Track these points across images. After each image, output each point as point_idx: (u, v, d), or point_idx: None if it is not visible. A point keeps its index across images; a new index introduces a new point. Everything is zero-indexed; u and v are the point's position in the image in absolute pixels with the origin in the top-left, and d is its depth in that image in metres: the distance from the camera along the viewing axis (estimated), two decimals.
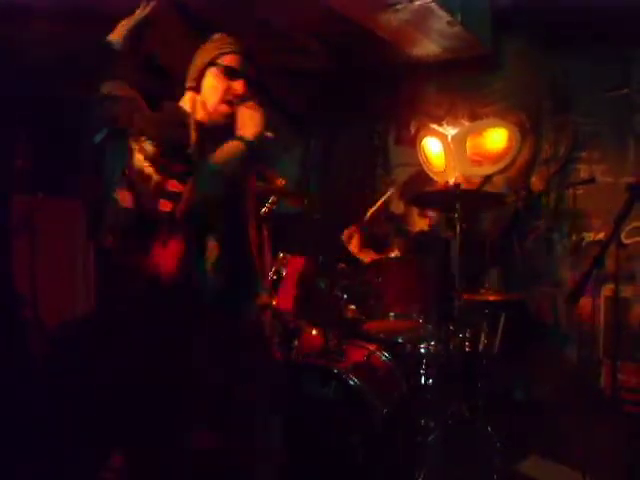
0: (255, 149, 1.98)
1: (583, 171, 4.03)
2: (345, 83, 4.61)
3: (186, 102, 2.13)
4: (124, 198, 2.99)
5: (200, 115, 2.08)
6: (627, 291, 3.40)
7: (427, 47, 4.00)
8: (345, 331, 3.16)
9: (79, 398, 2.51)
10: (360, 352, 3.07)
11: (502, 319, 3.34)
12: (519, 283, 4.10)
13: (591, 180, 3.76)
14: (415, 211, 4.69)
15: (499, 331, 3.32)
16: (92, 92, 2.99)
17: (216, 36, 2.17)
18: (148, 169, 1.86)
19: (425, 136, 4.53)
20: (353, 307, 3.27)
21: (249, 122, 2.01)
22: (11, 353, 2.56)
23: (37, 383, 2.52)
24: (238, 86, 2.08)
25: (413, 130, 4.63)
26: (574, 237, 4.03)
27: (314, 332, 3.16)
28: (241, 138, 1.99)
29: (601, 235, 3.82)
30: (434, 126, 4.47)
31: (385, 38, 3.82)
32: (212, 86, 2.09)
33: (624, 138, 3.88)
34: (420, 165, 4.60)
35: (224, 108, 2.08)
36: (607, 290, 3.65)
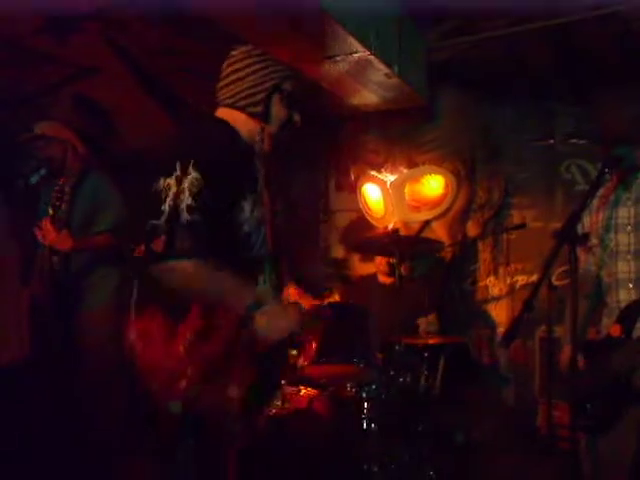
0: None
1: (515, 217, 4.19)
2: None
3: (242, 128, 1.90)
4: (46, 234, 2.89)
5: (266, 148, 1.93)
6: (559, 331, 3.50)
7: (366, 97, 4.11)
8: (286, 377, 3.12)
9: (12, 446, 2.37)
10: (302, 398, 3.04)
11: (442, 362, 3.38)
12: (458, 326, 4.18)
13: (522, 225, 3.91)
14: (356, 256, 4.74)
15: (439, 374, 3.35)
16: (24, 132, 2.92)
17: (256, 51, 1.93)
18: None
19: (365, 182, 4.63)
20: (294, 352, 3.25)
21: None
22: None
23: None
24: (298, 117, 1.95)
25: (353, 176, 4.72)
26: (508, 280, 4.16)
27: None
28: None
29: (534, 278, 3.96)
30: (373, 173, 4.58)
31: (326, 87, 3.92)
32: (276, 114, 1.92)
33: (552, 185, 4.09)
34: (360, 211, 4.68)
35: (281, 138, 1.96)
36: (540, 331, 3.77)
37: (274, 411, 2.87)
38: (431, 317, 3.79)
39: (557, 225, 3.66)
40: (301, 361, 3.15)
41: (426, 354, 3.36)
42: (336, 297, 4.18)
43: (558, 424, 2.77)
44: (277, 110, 1.91)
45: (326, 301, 4.02)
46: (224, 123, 1.87)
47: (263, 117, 1.90)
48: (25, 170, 2.97)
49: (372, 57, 3.41)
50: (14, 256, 3.11)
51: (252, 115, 1.89)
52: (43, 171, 2.94)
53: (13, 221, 3.23)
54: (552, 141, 4.09)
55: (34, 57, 3.33)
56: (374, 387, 3.06)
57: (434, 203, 4.38)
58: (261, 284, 1.82)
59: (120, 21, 3.12)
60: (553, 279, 3.29)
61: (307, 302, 3.90)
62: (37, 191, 3.09)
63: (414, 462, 2.90)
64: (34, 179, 2.93)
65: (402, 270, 3.61)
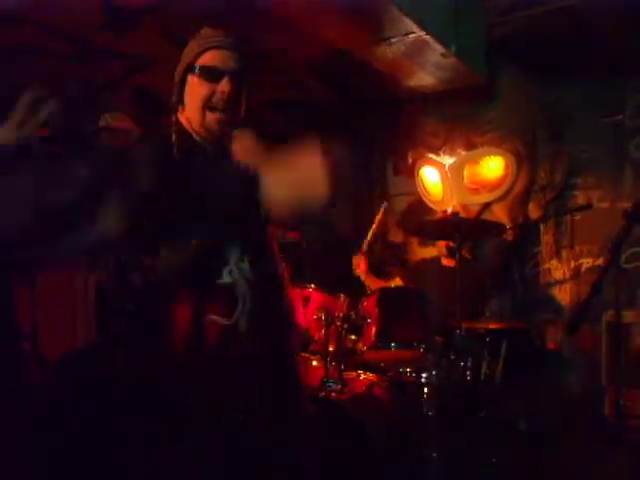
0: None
1: (580, 197, 4.05)
2: (342, 115, 4.66)
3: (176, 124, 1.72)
4: None
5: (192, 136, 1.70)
6: (628, 316, 3.37)
7: (423, 78, 4.05)
8: (345, 361, 3.14)
9: (81, 431, 2.48)
10: (361, 383, 3.04)
11: (503, 347, 3.31)
12: (520, 311, 4.09)
13: (588, 206, 3.77)
14: (415, 240, 4.70)
15: (500, 360, 3.29)
16: (89, 124, 3.00)
17: (200, 32, 1.73)
18: None
19: (423, 166, 4.56)
20: (353, 337, 3.25)
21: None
22: (8, 386, 2.54)
23: (35, 417, 2.49)
24: (222, 86, 1.64)
25: (411, 160, 4.66)
26: (573, 263, 4.03)
27: (314, 363, 3.14)
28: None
29: (600, 261, 3.83)
30: (431, 156, 4.51)
31: (381, 70, 3.88)
32: (192, 94, 1.67)
33: (619, 163, 3.92)
34: (418, 194, 4.63)
35: (211, 119, 1.65)
36: (608, 316, 3.63)
37: (333, 395, 2.89)
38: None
39: (625, 205, 3.52)
40: (360, 346, 3.16)
41: (488, 339, 3.31)
42: (396, 281, 4.16)
43: (628, 413, 2.68)
44: (194, 90, 1.66)
45: (388, 284, 4.02)
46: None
47: (179, 104, 1.71)
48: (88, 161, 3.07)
49: (428, 37, 3.35)
50: None
51: (175, 108, 1.71)
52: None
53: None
54: (620, 117, 3.91)
55: (97, 52, 3.43)
56: (434, 372, 3.03)
57: (494, 185, 4.28)
58: (226, 276, 1.63)
59: (178, 14, 3.17)
60: (622, 261, 3.17)
61: (373, 282, 3.92)
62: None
63: (475, 449, 2.87)
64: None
65: (463, 253, 3.56)
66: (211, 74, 1.65)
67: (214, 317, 1.61)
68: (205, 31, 1.72)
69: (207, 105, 1.64)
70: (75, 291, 3.19)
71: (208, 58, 1.66)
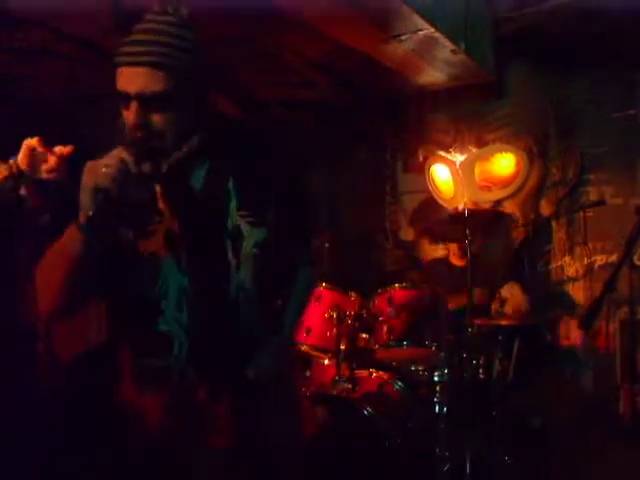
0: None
1: (592, 193, 4.02)
2: (351, 113, 4.65)
3: None
4: None
5: None
6: None
7: (432, 75, 4.04)
8: (357, 360, 3.13)
9: (96, 430, 2.49)
10: (373, 381, 3.04)
11: (516, 345, 3.30)
12: (532, 308, 4.06)
13: (601, 202, 3.75)
14: (425, 238, 4.69)
15: (513, 357, 3.27)
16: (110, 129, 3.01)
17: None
18: None
19: (433, 163, 4.54)
20: (365, 335, 3.25)
21: None
22: (23, 387, 2.56)
23: (49, 417, 2.50)
24: (129, 112, 1.33)
25: (421, 158, 4.64)
26: (586, 260, 4.00)
27: (326, 362, 3.14)
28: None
29: (613, 257, 3.79)
30: (442, 153, 4.49)
31: (391, 68, 3.87)
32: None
33: (632, 159, 3.89)
34: (429, 192, 4.61)
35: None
36: (622, 313, 3.60)
37: (345, 394, 2.89)
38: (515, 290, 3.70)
39: (639, 201, 3.49)
40: (372, 344, 3.15)
41: (500, 337, 3.30)
42: (409, 279, 4.15)
43: None
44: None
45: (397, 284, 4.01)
46: None
47: None
48: None
49: (438, 34, 3.33)
50: None
51: None
52: None
53: None
54: (633, 112, 3.88)
55: (106, 57, 3.45)
56: (446, 370, 3.03)
57: (505, 182, 4.26)
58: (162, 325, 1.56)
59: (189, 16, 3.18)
60: (635, 258, 3.15)
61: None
62: None
63: (487, 447, 2.86)
64: None
65: (474, 251, 3.54)
66: (121, 100, 1.34)
67: (149, 360, 1.58)
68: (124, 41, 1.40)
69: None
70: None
71: (120, 79, 1.35)
